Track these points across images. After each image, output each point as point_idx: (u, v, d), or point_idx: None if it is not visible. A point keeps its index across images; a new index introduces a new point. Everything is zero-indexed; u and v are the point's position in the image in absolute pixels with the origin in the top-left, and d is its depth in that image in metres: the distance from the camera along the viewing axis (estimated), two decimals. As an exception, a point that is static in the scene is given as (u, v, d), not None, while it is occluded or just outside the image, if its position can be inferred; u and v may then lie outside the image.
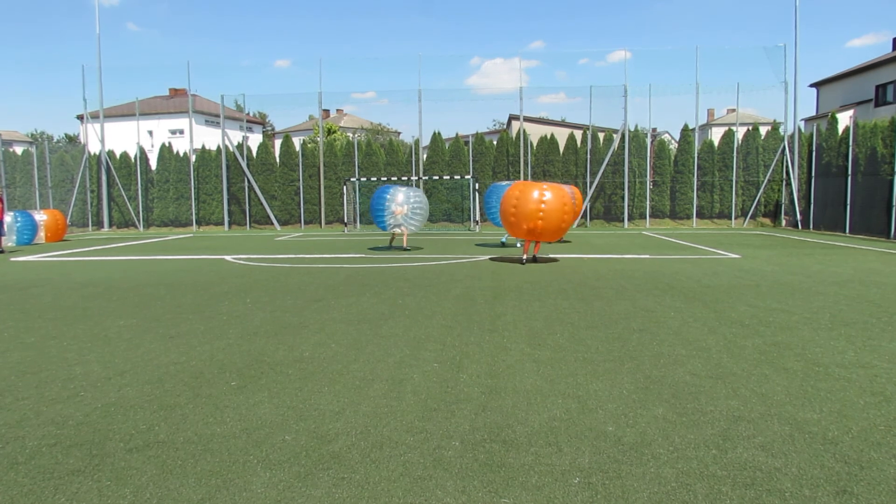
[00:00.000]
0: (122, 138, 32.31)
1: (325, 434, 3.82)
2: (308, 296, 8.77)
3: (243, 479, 3.29)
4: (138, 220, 28.94)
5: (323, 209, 28.34)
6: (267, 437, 3.78)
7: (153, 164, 29.75)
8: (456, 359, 5.41)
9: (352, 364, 5.27)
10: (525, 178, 27.66)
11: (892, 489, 3.18)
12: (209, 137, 36.83)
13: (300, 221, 28.54)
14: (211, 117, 43.83)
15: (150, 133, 42.84)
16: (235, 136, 31.43)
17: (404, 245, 16.36)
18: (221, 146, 28.46)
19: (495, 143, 28.64)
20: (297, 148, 28.92)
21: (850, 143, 22.42)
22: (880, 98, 33.08)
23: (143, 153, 29.27)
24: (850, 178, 22.38)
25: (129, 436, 3.83)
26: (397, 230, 15.95)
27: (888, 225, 19.98)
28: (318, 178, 28.48)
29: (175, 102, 45.80)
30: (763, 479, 3.26)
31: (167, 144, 29.72)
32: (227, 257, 14.63)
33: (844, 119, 26.49)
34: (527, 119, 30.19)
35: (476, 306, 7.87)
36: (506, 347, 5.80)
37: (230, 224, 28.83)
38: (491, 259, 13.86)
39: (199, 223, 29.00)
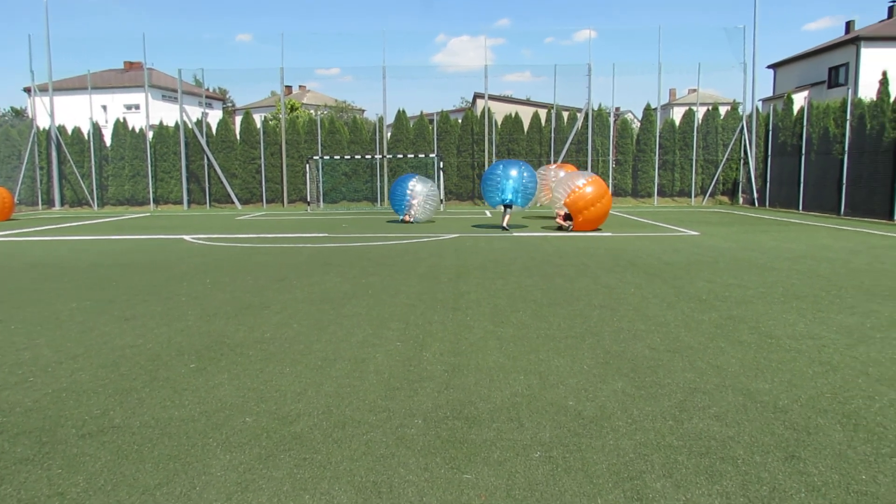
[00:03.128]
0: (74, 113, 31.19)
1: (287, 415, 3.79)
2: (270, 275, 8.67)
3: (202, 462, 3.25)
4: (92, 199, 28.12)
5: (285, 188, 27.97)
6: (227, 420, 3.73)
7: (108, 140, 28.89)
8: (419, 337, 5.41)
9: (314, 344, 5.23)
10: (490, 156, 27.67)
11: (836, 453, 3.29)
12: (167, 113, 35.88)
13: (262, 200, 28.14)
14: (168, 92, 42.61)
15: (104, 108, 41.49)
16: (194, 113, 30.62)
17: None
18: (180, 122, 27.77)
19: (460, 121, 28.53)
20: (259, 125, 28.41)
21: (805, 123, 22.94)
22: (833, 80, 33.88)
23: (96, 129, 28.35)
24: (803, 158, 22.95)
25: (82, 421, 3.73)
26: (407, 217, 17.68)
27: (838, 202, 20.58)
28: (280, 156, 28.07)
29: (130, 76, 44.36)
30: (717, 448, 3.35)
31: (122, 120, 28.84)
32: (187, 237, 14.36)
33: (800, 100, 27.10)
34: (492, 98, 30.11)
35: (440, 285, 7.89)
36: (469, 325, 5.82)
37: (189, 203, 28.26)
38: (455, 237, 13.87)
39: (156, 202, 28.35)
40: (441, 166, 26.47)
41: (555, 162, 27.43)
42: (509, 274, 8.74)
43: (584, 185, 14.26)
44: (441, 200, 25.82)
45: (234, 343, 5.29)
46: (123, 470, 3.18)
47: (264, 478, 3.09)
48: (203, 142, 27.81)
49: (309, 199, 26.42)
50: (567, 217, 14.81)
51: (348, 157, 27.14)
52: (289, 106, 41.11)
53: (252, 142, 28.16)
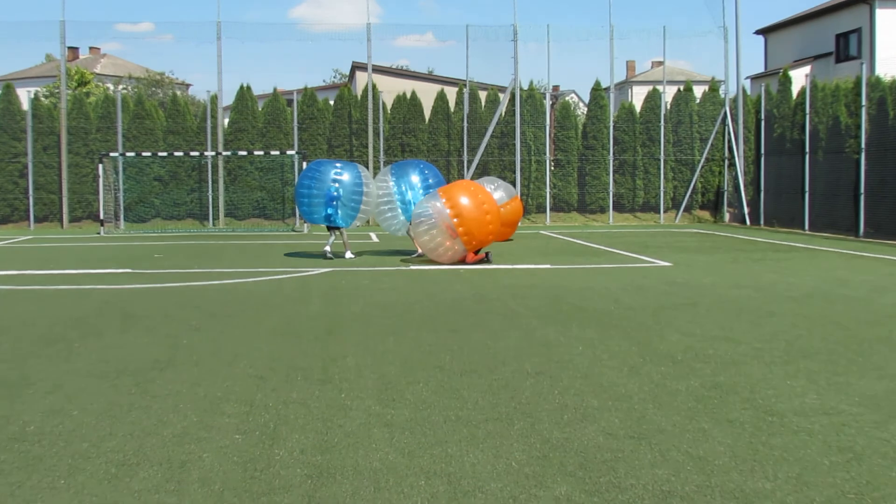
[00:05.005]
0: None
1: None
2: (37, 336, 8.45)
3: None
4: None
5: (65, 199, 26.99)
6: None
7: None
8: (269, 426, 5.36)
9: (105, 441, 5.09)
10: (377, 153, 27.75)
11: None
12: None
13: (28, 219, 26.99)
14: None
15: None
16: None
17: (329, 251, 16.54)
18: None
19: (332, 103, 28.51)
20: (26, 105, 27.44)
21: (807, 109, 24.19)
22: (842, 51, 36.07)
23: None
24: (808, 157, 24.12)
25: None
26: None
27: (855, 219, 21.46)
28: (58, 151, 27.08)
29: None
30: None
31: None
32: None
33: (800, 78, 28.69)
34: (378, 70, 30.36)
35: (301, 345, 7.85)
36: (344, 406, 5.76)
37: (-87, 224, 26.74)
38: (326, 273, 13.81)
39: None
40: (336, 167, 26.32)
41: (469, 164, 27.85)
42: (404, 327, 8.72)
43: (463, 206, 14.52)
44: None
45: (-25, 444, 5.01)
46: None
47: None
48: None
49: (103, 217, 25.56)
50: (476, 252, 15.02)
51: (164, 153, 26.60)
52: (75, 77, 39.85)
53: (13, 129, 27.14)
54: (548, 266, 14.63)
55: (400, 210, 16.45)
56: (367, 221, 20.48)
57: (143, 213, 27.76)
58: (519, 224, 21.21)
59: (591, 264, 14.97)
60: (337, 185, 15.99)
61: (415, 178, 16.52)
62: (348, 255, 16.28)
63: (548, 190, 28.51)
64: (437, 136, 28.73)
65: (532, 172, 28.76)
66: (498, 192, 18.58)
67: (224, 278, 13.17)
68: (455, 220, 14.23)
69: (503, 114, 28.56)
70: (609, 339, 8.01)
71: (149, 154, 26.62)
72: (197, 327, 8.86)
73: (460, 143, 28.60)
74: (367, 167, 27.54)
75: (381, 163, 27.47)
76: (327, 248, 16.40)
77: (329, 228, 16.59)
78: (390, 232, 17.10)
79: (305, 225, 25.55)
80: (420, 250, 15.76)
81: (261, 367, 6.98)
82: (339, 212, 16.13)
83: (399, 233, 16.91)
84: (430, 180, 16.52)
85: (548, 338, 8.08)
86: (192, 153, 26.90)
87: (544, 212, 28.61)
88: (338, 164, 16.37)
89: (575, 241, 20.65)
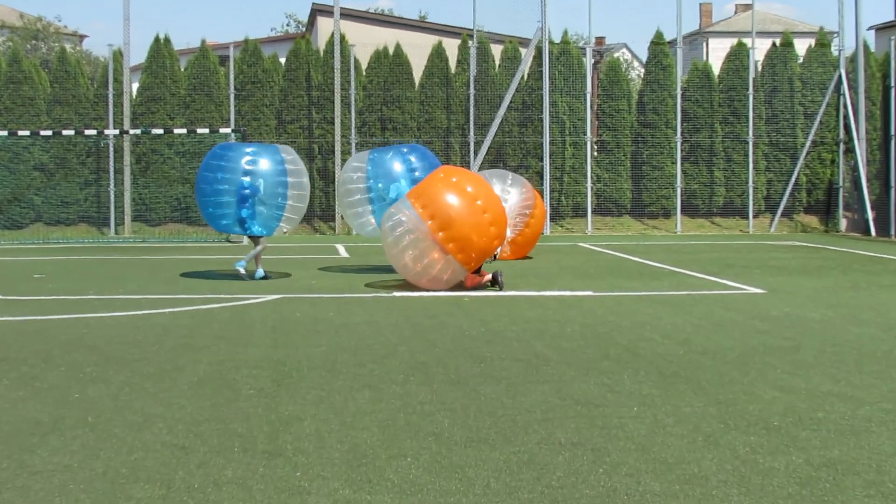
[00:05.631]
0: None
1: None
2: None
3: None
4: None
5: None
6: None
7: None
8: (194, 519, 5.27)
9: None
10: (346, 131, 27.63)
11: None
12: None
13: None
14: None
15: None
16: None
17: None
18: None
19: (284, 61, 28.47)
20: None
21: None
22: None
23: None
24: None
25: None
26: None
27: None
28: None
29: None
30: None
31: None
32: None
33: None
34: (349, 14, 30.41)
35: (239, 402, 7.80)
36: (300, 489, 5.71)
37: None
38: (276, 300, 13.80)
39: None
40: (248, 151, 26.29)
41: (477, 148, 27.73)
42: (385, 377, 8.69)
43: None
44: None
45: None
46: None
47: None
48: None
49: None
50: (476, 271, 15.06)
51: (48, 132, 26.51)
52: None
53: None
54: (589, 293, 14.62)
55: (372, 211, 16.66)
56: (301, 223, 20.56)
57: (19, 216, 27.65)
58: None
59: (650, 290, 14.95)
60: (249, 177, 16.12)
61: (397, 167, 16.64)
62: (259, 272, 16.46)
63: (589, 185, 28.36)
64: (432, 108, 28.78)
65: (567, 160, 28.64)
66: (514, 194, 18.53)
67: (130, 308, 13.14)
68: (440, 234, 14.06)
69: (526, 76, 28.49)
70: (676, 396, 7.95)
71: (27, 133, 26.41)
72: (42, 279, 8.74)
73: (464, 119, 28.58)
74: (334, 151, 27.44)
75: (353, 146, 27.35)
76: (241, 267, 16.53)
77: (250, 237, 16.80)
78: (365, 235, 17.17)
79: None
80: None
81: (182, 432, 6.89)
82: (256, 215, 16.24)
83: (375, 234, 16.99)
84: (418, 172, 16.61)
85: (588, 394, 8.01)
86: (88, 132, 26.79)
87: (583, 216, 28.57)
88: (249, 149, 16.61)
89: (627, 257, 20.58)
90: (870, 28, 38.02)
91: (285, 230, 17.26)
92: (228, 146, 17.27)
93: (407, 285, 15.49)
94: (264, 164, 16.20)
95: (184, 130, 26.86)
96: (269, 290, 15.25)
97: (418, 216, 14.14)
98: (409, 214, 14.32)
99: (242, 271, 16.60)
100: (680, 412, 7.46)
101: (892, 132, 26.96)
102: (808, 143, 28.62)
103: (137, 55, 28.57)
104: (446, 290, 14.63)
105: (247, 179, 15.97)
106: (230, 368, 9.19)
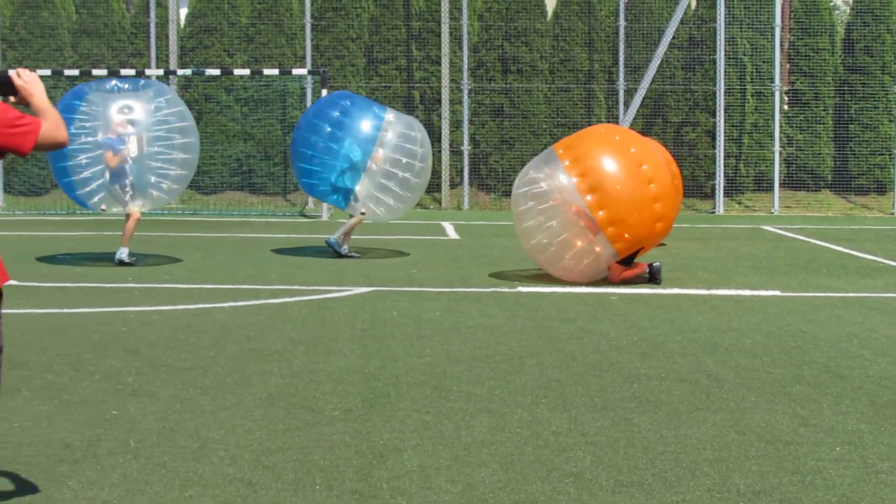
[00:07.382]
0: None
1: None
2: None
3: None
4: None
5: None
6: None
7: None
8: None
9: None
10: (457, 75, 26.60)
11: None
12: None
13: None
14: None
15: None
16: None
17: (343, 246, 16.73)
18: None
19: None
20: None
21: None
22: None
23: None
24: None
25: None
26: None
27: None
28: None
29: None
30: None
31: None
32: None
33: None
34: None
35: (322, 426, 7.23)
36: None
37: None
38: (366, 292, 13.57)
39: None
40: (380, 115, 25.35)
41: (628, 97, 26.41)
42: (509, 398, 8.10)
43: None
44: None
45: None
46: None
47: None
48: None
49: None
50: (627, 260, 13.91)
51: (74, 71, 25.27)
52: None
53: None
54: (776, 293, 13.87)
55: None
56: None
57: (38, 180, 26.86)
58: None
59: (859, 291, 14.18)
60: (382, 132, 15.97)
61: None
62: (344, 249, 16.31)
63: (776, 149, 26.82)
64: (570, 45, 27.34)
65: (747, 115, 27.25)
66: None
67: (180, 301, 12.82)
68: (600, 213, 12.84)
69: (694, 4, 27.03)
70: (892, 432, 7.05)
71: (47, 73, 24.88)
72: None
73: (612, 59, 27.26)
74: (440, 100, 26.19)
75: (465, 93, 26.21)
76: (335, 238, 16.38)
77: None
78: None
79: (325, 206, 24.05)
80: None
81: (248, 464, 6.34)
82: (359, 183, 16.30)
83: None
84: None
85: (776, 427, 7.19)
86: (124, 71, 25.05)
87: (769, 189, 26.99)
88: (388, 114, 16.49)
89: (829, 245, 19.81)
90: None
91: (401, 209, 17.22)
92: (352, 97, 16.80)
93: (535, 276, 14.84)
94: (389, 137, 15.92)
95: (246, 71, 25.43)
96: (356, 280, 14.60)
97: (573, 185, 13.05)
98: (560, 181, 13.19)
99: (345, 249, 16.27)
100: (897, 452, 6.71)
101: None
102: None
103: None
104: (586, 285, 14.02)
105: (375, 134, 15.85)
106: (308, 382, 8.58)
